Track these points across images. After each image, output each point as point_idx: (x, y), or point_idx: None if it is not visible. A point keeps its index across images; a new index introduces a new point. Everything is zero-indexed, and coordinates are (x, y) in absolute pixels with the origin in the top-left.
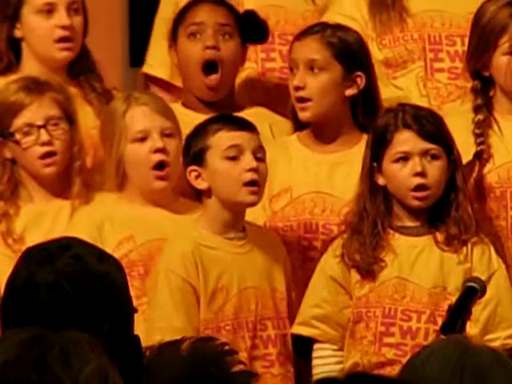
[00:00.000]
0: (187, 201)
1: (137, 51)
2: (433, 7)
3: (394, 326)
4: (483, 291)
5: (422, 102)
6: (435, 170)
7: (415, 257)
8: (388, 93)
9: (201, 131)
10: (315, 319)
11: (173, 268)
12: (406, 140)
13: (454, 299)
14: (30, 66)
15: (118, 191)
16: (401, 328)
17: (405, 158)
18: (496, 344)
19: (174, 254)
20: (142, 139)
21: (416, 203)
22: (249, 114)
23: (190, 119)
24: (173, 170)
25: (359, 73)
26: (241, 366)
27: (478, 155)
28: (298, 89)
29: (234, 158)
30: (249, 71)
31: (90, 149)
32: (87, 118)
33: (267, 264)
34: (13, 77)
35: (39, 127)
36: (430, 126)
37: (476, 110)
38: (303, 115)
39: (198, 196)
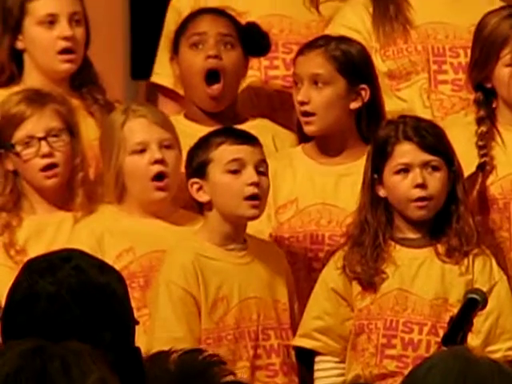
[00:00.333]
0: (187, 212)
1: (138, 63)
2: (436, 19)
3: (396, 338)
4: (484, 303)
5: (426, 114)
6: (436, 181)
7: (416, 269)
8: (392, 104)
9: (203, 144)
10: (317, 331)
11: (173, 279)
12: (406, 152)
13: (455, 311)
14: (32, 78)
15: (117, 203)
16: (402, 340)
17: (405, 169)
18: (497, 355)
19: (175, 264)
20: (141, 151)
21: (417, 213)
22: (251, 125)
23: (192, 131)
24: (172, 180)
25: (363, 86)
26: (231, 377)
27: (481, 167)
28: (302, 104)
29: (235, 172)
30: (252, 79)
31: (92, 160)
32: (89, 129)
33: (269, 275)
34: (15, 88)
35: (40, 139)
36: (431, 138)
37: (479, 121)
38: (308, 129)
39: (200, 208)
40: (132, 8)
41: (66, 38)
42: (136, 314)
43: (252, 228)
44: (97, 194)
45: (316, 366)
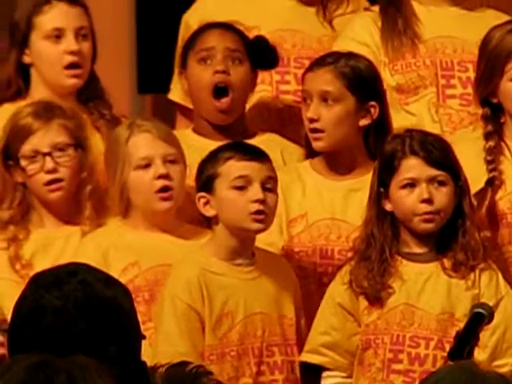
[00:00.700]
0: (192, 227)
1: (145, 78)
2: (444, 33)
3: (402, 353)
4: (491, 317)
5: (434, 129)
6: (442, 196)
7: (423, 283)
8: (400, 119)
9: (212, 158)
10: (324, 347)
11: (178, 294)
12: (413, 166)
13: (461, 325)
14: (39, 92)
15: (122, 217)
16: (409, 355)
17: (412, 184)
18: (504, 370)
19: (180, 279)
20: (146, 166)
21: (423, 226)
22: (260, 140)
23: (200, 145)
24: (177, 193)
25: (373, 103)
26: None
27: (490, 182)
28: (312, 121)
29: (241, 188)
30: (262, 93)
31: (98, 175)
32: (96, 144)
33: (276, 290)
34: (22, 103)
35: (44, 154)
36: (437, 153)
37: (487, 136)
38: (317, 145)
39: (207, 222)
40: (138, 22)
41: (72, 53)
42: (141, 328)
43: (263, 241)
44: (105, 207)
45: (323, 382)
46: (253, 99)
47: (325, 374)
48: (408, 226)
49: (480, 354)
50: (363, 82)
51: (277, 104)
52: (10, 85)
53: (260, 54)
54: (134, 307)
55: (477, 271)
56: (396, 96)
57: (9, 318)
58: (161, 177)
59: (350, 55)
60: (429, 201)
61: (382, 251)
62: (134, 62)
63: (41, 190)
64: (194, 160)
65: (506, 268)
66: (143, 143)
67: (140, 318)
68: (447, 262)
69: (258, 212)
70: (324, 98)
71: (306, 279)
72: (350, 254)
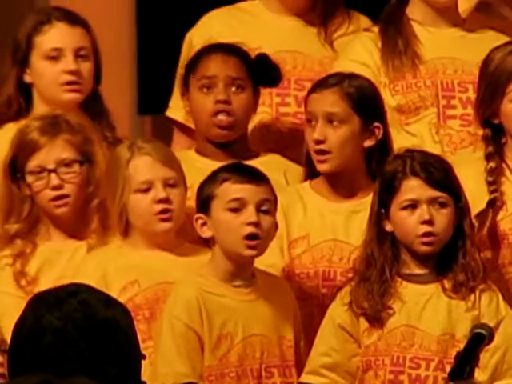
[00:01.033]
0: (192, 245)
1: (145, 99)
2: (445, 54)
3: (403, 374)
4: (491, 338)
5: (435, 149)
6: (443, 217)
7: (423, 304)
8: (401, 139)
9: (210, 179)
10: (324, 368)
11: (176, 314)
12: (413, 188)
13: (462, 346)
14: (40, 111)
15: (121, 238)
16: (409, 376)
17: (413, 205)
18: None
19: (178, 300)
20: (146, 190)
21: (423, 248)
22: (263, 161)
23: (203, 166)
24: (176, 215)
25: (377, 123)
26: None
27: (492, 203)
28: (318, 142)
29: (236, 210)
30: (262, 115)
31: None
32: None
33: (275, 312)
34: (23, 122)
35: (50, 171)
36: (438, 174)
37: (488, 157)
38: (322, 167)
39: (206, 243)
40: (139, 43)
41: (70, 72)
42: (141, 346)
43: (264, 262)
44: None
45: None
46: (253, 121)
47: None
48: (408, 247)
49: (480, 375)
50: (368, 103)
51: (277, 126)
52: (10, 104)
53: (262, 72)
54: (134, 327)
55: (477, 292)
56: (396, 116)
57: (8, 337)
58: (161, 201)
59: (353, 76)
60: (429, 222)
61: (383, 272)
62: (135, 83)
63: (47, 206)
64: (196, 180)
65: (507, 289)
66: (144, 166)
67: (140, 337)
68: (447, 283)
69: (252, 236)
70: (330, 119)
71: (308, 301)
72: (350, 275)
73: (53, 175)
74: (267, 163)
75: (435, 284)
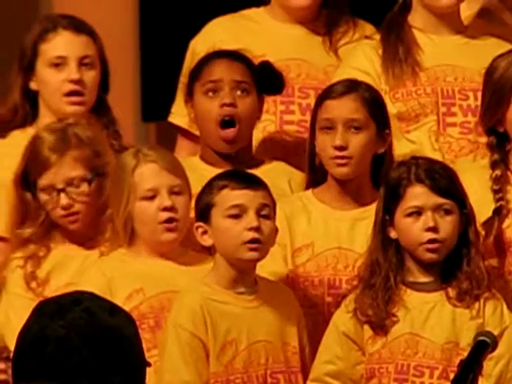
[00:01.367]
0: (196, 254)
1: (149, 106)
2: (446, 62)
3: (407, 382)
4: (494, 345)
5: (435, 156)
6: (448, 224)
7: (427, 313)
8: (401, 146)
9: (207, 187)
10: (328, 376)
11: (181, 322)
12: (418, 195)
13: (466, 354)
14: (47, 119)
15: (126, 246)
16: None
17: (417, 212)
18: None
19: (183, 308)
20: (151, 197)
21: (428, 256)
22: (267, 168)
23: (207, 173)
24: (182, 224)
25: (387, 130)
26: None
27: (498, 211)
28: (341, 149)
29: (236, 217)
30: (266, 123)
31: None
32: None
33: (279, 318)
34: (29, 130)
35: (59, 191)
36: (443, 181)
37: (493, 165)
38: (342, 172)
39: (208, 251)
40: (143, 50)
41: (73, 81)
42: (146, 355)
43: (266, 270)
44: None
45: None
46: (257, 128)
47: None
48: (413, 254)
49: None
50: (381, 109)
51: (281, 134)
52: (16, 111)
53: (266, 79)
54: (138, 335)
55: (481, 300)
56: (397, 124)
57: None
58: (166, 209)
59: (362, 83)
60: (434, 229)
61: (387, 279)
62: (138, 90)
63: (59, 220)
64: (200, 188)
65: (510, 297)
66: (149, 174)
67: (145, 345)
68: (452, 292)
69: (253, 240)
70: (350, 125)
71: (313, 309)
72: (355, 283)
73: (62, 195)
74: (272, 171)
75: (439, 292)
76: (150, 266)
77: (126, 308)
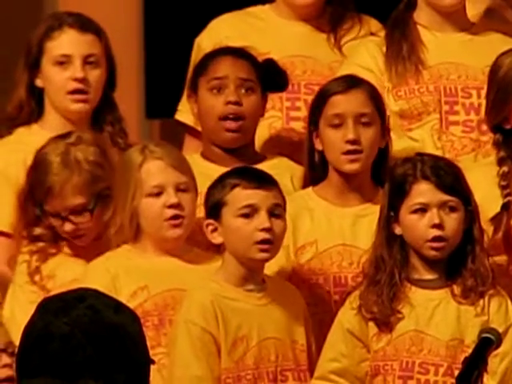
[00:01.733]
0: (201, 251)
1: (153, 103)
2: (449, 59)
3: (412, 379)
4: (499, 342)
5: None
6: (453, 221)
7: (432, 310)
8: (402, 144)
9: (219, 185)
10: (333, 373)
11: (192, 318)
12: (424, 191)
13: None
14: (52, 116)
15: (131, 242)
16: (418, 381)
17: (423, 209)
18: None
19: (193, 304)
20: (157, 194)
21: (432, 253)
22: (270, 164)
23: (209, 171)
24: (187, 221)
25: (387, 125)
26: None
27: (506, 207)
28: (353, 142)
29: (247, 216)
30: (273, 120)
31: None
32: None
33: (287, 316)
34: (34, 126)
35: (63, 219)
36: (449, 178)
37: (500, 162)
38: (353, 167)
39: (218, 249)
40: (147, 47)
41: (77, 80)
42: (150, 353)
43: (269, 269)
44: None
45: None
46: (263, 125)
47: None
48: (417, 250)
49: (489, 381)
50: (383, 104)
51: (287, 130)
52: (21, 107)
53: (270, 77)
54: (142, 333)
55: (486, 297)
56: (399, 122)
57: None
58: (172, 206)
59: (362, 78)
60: (439, 226)
61: (392, 275)
62: (142, 87)
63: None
64: (201, 185)
65: None
66: (156, 171)
67: (149, 343)
68: (457, 289)
69: (264, 241)
70: (359, 120)
71: (319, 307)
72: (360, 279)
73: (66, 222)
74: (274, 167)
75: (444, 289)
76: (155, 263)
77: (131, 305)
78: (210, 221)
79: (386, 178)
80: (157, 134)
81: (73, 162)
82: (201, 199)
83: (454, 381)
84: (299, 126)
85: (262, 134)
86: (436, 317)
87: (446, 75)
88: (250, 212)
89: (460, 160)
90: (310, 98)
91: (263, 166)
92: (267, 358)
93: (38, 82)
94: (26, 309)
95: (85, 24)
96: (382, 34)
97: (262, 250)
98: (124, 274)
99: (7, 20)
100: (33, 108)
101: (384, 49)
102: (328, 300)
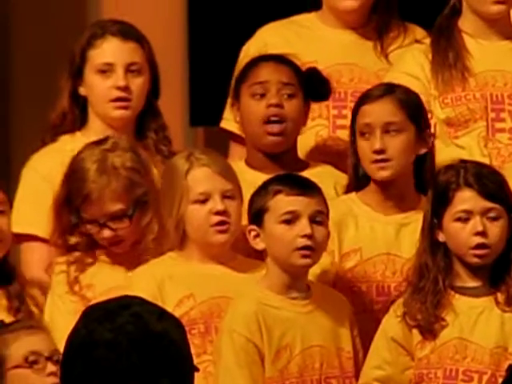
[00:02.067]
0: (246, 259)
1: (197, 111)
2: (495, 67)
3: None
4: None
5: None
6: (496, 229)
7: (476, 317)
8: (449, 152)
9: (262, 191)
10: (377, 381)
11: (236, 328)
12: (467, 199)
13: None
14: (95, 125)
15: (177, 249)
16: None
17: (466, 216)
18: None
19: (237, 314)
20: (203, 201)
21: (475, 260)
22: (313, 172)
23: (253, 179)
24: (233, 227)
25: (429, 131)
26: None
27: None
28: (379, 152)
29: (289, 222)
30: (319, 128)
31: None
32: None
33: (332, 323)
34: (78, 134)
35: (101, 225)
36: (492, 185)
37: None
38: (382, 174)
39: (260, 255)
40: (191, 55)
41: (119, 88)
42: (196, 361)
43: (315, 275)
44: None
45: None
46: (309, 134)
47: None
48: (461, 258)
49: None
50: (420, 110)
51: (333, 138)
52: (65, 116)
53: (313, 85)
54: (186, 340)
55: None
56: (445, 129)
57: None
58: (218, 213)
59: (396, 85)
60: (483, 233)
61: (436, 282)
62: (186, 95)
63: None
64: (245, 193)
65: None
66: (202, 178)
67: (195, 351)
68: (500, 296)
69: (305, 247)
70: (387, 129)
71: (361, 315)
72: (403, 288)
73: (104, 229)
74: (318, 175)
75: (488, 297)
76: (201, 270)
77: (177, 314)
78: (253, 227)
79: (428, 185)
80: (201, 142)
81: (110, 168)
82: (244, 206)
83: None
84: (345, 135)
85: (308, 142)
86: (479, 324)
87: (492, 82)
88: (291, 218)
89: (506, 167)
90: None
91: (306, 174)
92: (311, 366)
93: (82, 91)
94: (67, 319)
95: (127, 32)
96: (427, 41)
97: (303, 256)
98: (170, 282)
99: (51, 29)
100: (76, 116)
101: (430, 56)
102: (370, 308)
